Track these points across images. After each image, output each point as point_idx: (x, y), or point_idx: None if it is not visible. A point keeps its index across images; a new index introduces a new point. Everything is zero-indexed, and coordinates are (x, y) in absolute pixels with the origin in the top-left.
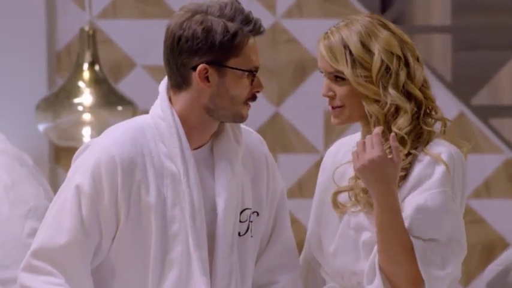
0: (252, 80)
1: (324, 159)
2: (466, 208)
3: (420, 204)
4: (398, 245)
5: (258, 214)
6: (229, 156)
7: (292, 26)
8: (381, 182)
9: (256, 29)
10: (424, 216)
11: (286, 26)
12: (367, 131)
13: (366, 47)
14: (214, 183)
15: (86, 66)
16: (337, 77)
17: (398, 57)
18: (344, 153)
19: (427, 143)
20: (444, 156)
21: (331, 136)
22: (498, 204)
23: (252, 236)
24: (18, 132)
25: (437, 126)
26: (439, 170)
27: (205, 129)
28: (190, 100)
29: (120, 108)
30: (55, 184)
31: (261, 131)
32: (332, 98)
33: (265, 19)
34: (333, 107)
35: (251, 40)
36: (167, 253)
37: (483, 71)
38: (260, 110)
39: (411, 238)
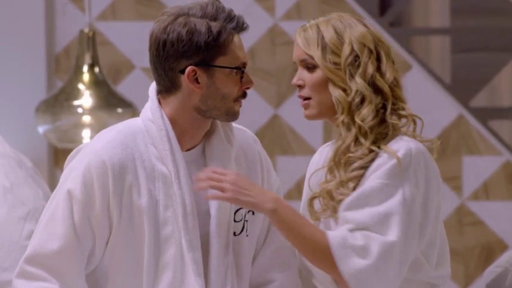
0: (241, 77)
1: (308, 168)
2: (465, 210)
3: (358, 191)
4: (310, 242)
5: (253, 213)
6: (221, 157)
7: (291, 28)
8: (254, 192)
9: (240, 26)
10: (357, 202)
11: (285, 28)
12: (336, 130)
13: (339, 35)
14: None
15: (85, 68)
16: (309, 65)
17: (370, 50)
18: (325, 159)
19: (390, 140)
20: (401, 152)
21: (330, 138)
22: (497, 206)
23: (247, 236)
24: (17, 134)
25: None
26: (389, 163)
27: (197, 129)
28: (180, 103)
29: (119, 110)
30: (54, 186)
31: (260, 133)
32: (301, 87)
33: (265, 21)
34: (300, 97)
35: (236, 37)
36: (160, 255)
37: (482, 73)
38: (259, 112)
39: (326, 233)
